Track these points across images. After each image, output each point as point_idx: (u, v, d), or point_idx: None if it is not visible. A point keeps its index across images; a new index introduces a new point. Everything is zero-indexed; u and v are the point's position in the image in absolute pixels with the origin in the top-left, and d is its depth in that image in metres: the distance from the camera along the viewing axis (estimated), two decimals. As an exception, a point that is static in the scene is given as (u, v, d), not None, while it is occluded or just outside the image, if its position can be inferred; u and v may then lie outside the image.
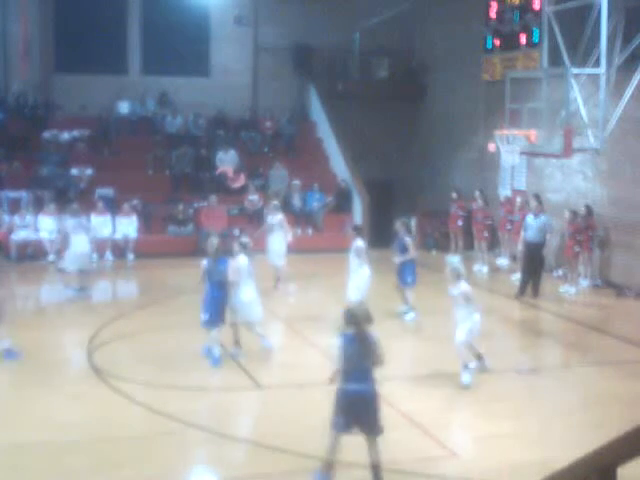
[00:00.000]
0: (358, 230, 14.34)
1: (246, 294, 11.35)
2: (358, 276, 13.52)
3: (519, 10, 19.19)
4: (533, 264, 16.23)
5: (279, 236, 16.42)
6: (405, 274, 14.14)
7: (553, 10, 16.39)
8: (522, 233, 16.63)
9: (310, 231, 21.62)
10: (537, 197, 18.28)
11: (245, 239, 12.01)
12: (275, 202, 17.39)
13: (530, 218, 16.36)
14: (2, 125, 22.11)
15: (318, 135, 24.61)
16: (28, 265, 18.75)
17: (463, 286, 10.33)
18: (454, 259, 10.99)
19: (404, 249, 14.11)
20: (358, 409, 7.27)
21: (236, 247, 11.71)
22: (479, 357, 10.70)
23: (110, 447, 8.55)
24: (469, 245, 19.90)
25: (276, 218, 16.61)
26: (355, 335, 7.34)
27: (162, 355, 11.75)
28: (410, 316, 13.91)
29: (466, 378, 10.35)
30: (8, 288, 17.51)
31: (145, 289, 17.40)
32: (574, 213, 16.76)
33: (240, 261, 11.41)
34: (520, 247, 16.95)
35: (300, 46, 24.42)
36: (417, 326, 13.81)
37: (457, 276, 10.40)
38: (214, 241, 11.68)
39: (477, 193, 19.49)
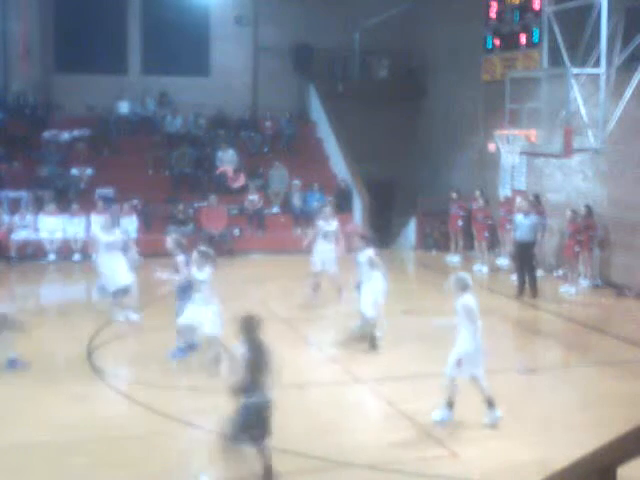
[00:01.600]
0: (367, 239, 13.24)
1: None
2: (373, 288, 12.17)
3: (519, 10, 19.17)
4: (524, 264, 16.25)
5: (331, 244, 15.43)
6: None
7: (553, 10, 16.40)
8: (511, 233, 16.67)
9: (310, 231, 21.57)
10: (536, 197, 18.31)
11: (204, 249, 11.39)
12: (328, 208, 16.35)
13: (520, 217, 16.36)
14: (2, 125, 22.10)
15: (318, 135, 24.60)
16: (28, 265, 18.74)
17: (467, 299, 9.22)
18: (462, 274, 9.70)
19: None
20: (260, 419, 7.16)
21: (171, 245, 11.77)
22: (450, 405, 9.30)
23: (110, 447, 8.55)
24: (469, 245, 19.91)
25: (332, 225, 15.63)
26: (248, 344, 7.17)
27: (162, 355, 11.74)
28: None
29: (437, 414, 9.25)
30: (8, 288, 17.56)
31: (145, 289, 17.37)
32: (575, 213, 16.77)
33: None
34: (511, 247, 16.98)
35: (300, 46, 24.42)
36: (417, 326, 13.79)
37: (463, 288, 9.30)
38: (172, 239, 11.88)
39: (477, 193, 19.48)
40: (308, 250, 15.40)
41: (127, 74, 24.06)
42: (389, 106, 23.75)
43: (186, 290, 11.38)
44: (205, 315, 10.80)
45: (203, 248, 11.31)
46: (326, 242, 15.30)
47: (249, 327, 7.20)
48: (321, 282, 15.23)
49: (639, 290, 16.07)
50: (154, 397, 9.92)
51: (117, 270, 13.54)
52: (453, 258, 19.84)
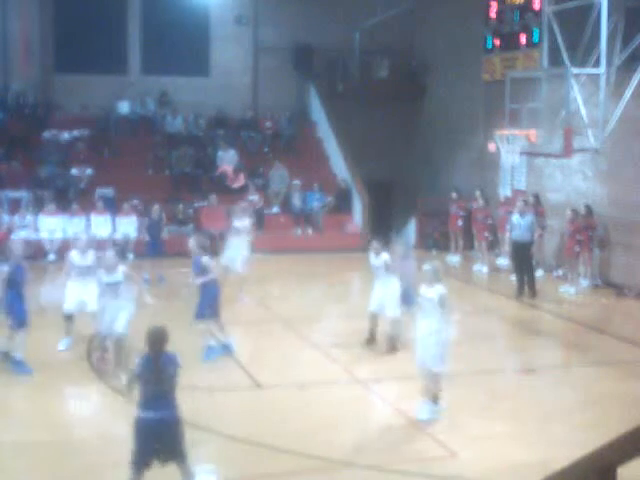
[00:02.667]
0: (383, 243, 12.49)
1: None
2: (390, 291, 11.95)
3: (519, 10, 19.18)
4: (523, 264, 16.25)
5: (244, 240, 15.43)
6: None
7: (553, 10, 16.40)
8: (507, 233, 16.65)
9: (310, 231, 21.62)
10: (536, 196, 18.32)
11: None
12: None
13: (516, 217, 16.34)
14: (2, 125, 22.11)
15: (318, 135, 24.60)
16: (28, 265, 18.68)
17: (443, 288, 9.28)
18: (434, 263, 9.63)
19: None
20: (159, 437, 6.85)
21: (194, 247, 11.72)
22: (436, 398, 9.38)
23: (110, 447, 8.55)
24: (469, 245, 19.91)
25: (244, 222, 15.61)
26: (151, 357, 6.87)
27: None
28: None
29: (423, 413, 9.25)
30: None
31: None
32: (575, 212, 16.77)
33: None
34: (507, 247, 16.98)
35: (300, 46, 24.42)
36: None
37: (438, 278, 9.35)
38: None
39: (477, 193, 19.50)
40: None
41: (127, 74, 24.07)
42: (389, 106, 23.75)
43: (210, 289, 11.44)
44: None
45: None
46: (239, 239, 15.38)
47: (151, 340, 6.91)
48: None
49: (639, 290, 16.08)
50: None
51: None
52: (453, 258, 19.84)
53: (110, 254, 10.78)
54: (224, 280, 14.57)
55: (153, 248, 17.55)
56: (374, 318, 12.16)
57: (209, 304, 11.47)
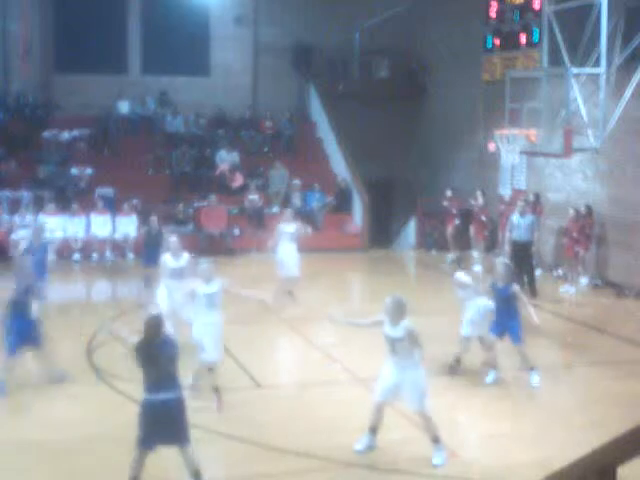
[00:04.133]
0: (457, 262, 11.94)
1: None
2: (471, 309, 10.86)
3: (519, 10, 19.17)
4: (523, 264, 16.23)
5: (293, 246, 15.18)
6: None
7: (553, 10, 16.41)
8: (507, 233, 16.62)
9: (310, 231, 21.58)
10: (537, 196, 18.33)
11: None
12: (289, 210, 16.11)
13: (516, 217, 16.31)
14: (2, 125, 22.11)
15: (318, 135, 24.60)
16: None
17: (410, 323, 8.32)
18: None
19: None
20: (163, 420, 7.12)
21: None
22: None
23: (110, 447, 8.55)
24: (467, 245, 19.84)
25: (292, 227, 15.36)
26: (145, 344, 7.19)
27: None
28: None
29: (437, 459, 8.19)
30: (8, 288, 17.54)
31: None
32: (577, 212, 16.77)
33: None
34: (507, 247, 16.96)
35: (300, 46, 24.42)
36: (417, 326, 13.77)
37: (403, 312, 8.30)
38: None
39: (479, 193, 19.54)
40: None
41: (127, 74, 24.07)
42: (389, 106, 23.75)
43: None
44: None
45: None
46: (291, 245, 15.02)
47: (145, 328, 7.21)
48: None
49: (639, 290, 16.08)
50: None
51: None
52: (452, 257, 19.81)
53: (205, 266, 10.18)
54: (291, 288, 14.74)
55: (149, 260, 14.76)
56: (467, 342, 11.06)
57: None
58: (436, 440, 8.22)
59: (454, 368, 11.03)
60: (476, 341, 10.90)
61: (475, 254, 19.34)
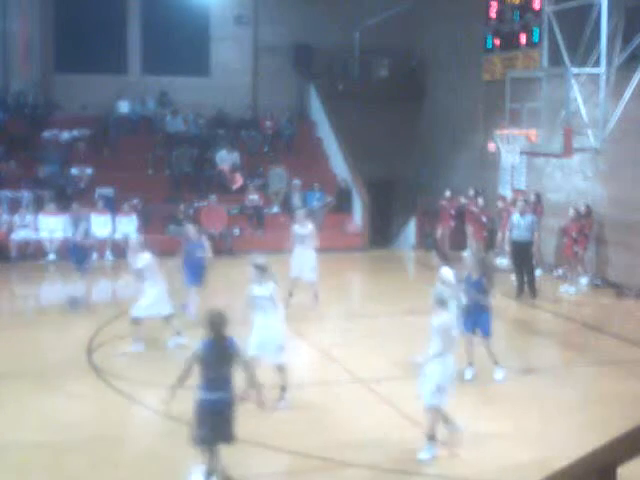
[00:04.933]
0: (445, 257, 11.73)
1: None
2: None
3: (519, 10, 19.18)
4: (523, 263, 16.25)
5: (308, 248, 14.64)
6: None
7: (553, 10, 16.41)
8: (507, 233, 16.63)
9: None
10: (537, 196, 18.33)
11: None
12: (302, 211, 15.60)
13: (516, 217, 16.30)
14: (2, 125, 22.10)
15: (318, 135, 24.60)
16: (28, 265, 18.73)
17: (445, 317, 8.53)
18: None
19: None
20: (216, 417, 7.07)
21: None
22: (447, 422, 8.54)
23: (110, 447, 8.56)
24: (463, 245, 19.81)
25: (307, 228, 14.81)
26: (213, 341, 7.07)
27: (162, 355, 11.75)
28: None
29: (424, 454, 8.23)
30: (8, 288, 17.57)
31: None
32: (577, 212, 16.78)
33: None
34: (507, 247, 16.99)
35: (300, 46, 24.41)
36: (417, 326, 13.79)
37: (441, 303, 8.58)
38: None
39: (471, 192, 19.54)
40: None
41: (127, 74, 24.05)
42: (389, 106, 23.74)
43: None
44: None
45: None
46: (302, 247, 14.59)
47: (211, 324, 7.09)
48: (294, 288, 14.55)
49: (639, 290, 16.08)
50: (154, 397, 9.91)
51: None
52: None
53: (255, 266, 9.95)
54: (293, 290, 14.45)
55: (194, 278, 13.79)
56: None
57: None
58: (430, 436, 8.25)
59: None
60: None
61: (467, 254, 19.23)
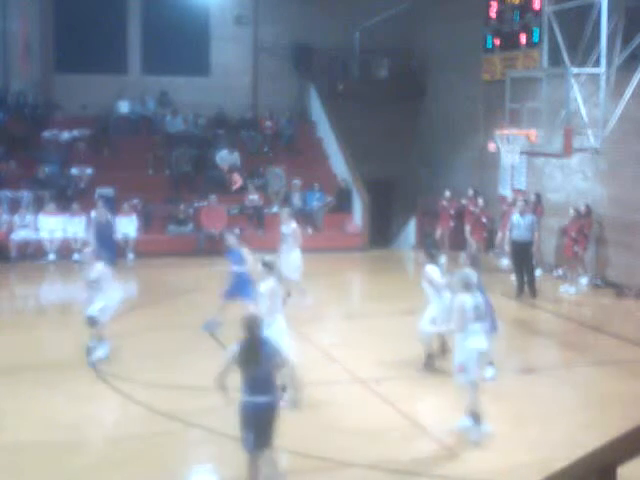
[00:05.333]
0: (432, 255, 11.55)
1: None
2: (432, 307, 11.12)
3: (519, 10, 19.18)
4: (523, 263, 16.26)
5: (291, 247, 14.77)
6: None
7: (553, 10, 16.41)
8: (507, 233, 16.64)
9: (310, 231, 21.61)
10: (538, 196, 18.33)
11: None
12: (286, 210, 15.96)
13: (517, 217, 16.32)
14: (2, 125, 22.10)
15: (318, 135, 24.61)
16: (28, 265, 18.74)
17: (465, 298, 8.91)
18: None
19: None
20: (258, 420, 7.03)
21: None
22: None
23: (110, 447, 8.56)
24: (462, 245, 19.80)
25: (289, 227, 14.94)
26: (248, 342, 7.10)
27: (162, 355, 11.76)
28: None
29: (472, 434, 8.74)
30: (8, 288, 17.57)
31: (145, 289, 17.40)
32: (577, 212, 16.79)
33: None
34: (507, 247, 16.99)
35: (300, 46, 24.42)
36: (416, 326, 13.79)
37: (466, 286, 8.91)
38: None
39: (470, 191, 19.52)
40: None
41: (127, 74, 24.06)
42: (389, 106, 23.75)
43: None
44: None
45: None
46: (286, 246, 14.62)
47: (246, 327, 7.14)
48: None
49: (639, 290, 16.08)
50: (154, 397, 9.92)
51: None
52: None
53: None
54: (291, 289, 14.41)
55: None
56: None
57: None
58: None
59: (430, 365, 11.17)
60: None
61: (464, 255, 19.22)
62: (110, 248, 16.36)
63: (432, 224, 21.57)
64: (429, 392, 10.30)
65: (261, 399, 6.96)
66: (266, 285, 9.87)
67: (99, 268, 11.47)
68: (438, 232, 20.27)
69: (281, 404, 8.89)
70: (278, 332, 9.59)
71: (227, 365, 7.12)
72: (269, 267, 9.96)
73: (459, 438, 8.87)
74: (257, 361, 6.99)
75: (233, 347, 7.16)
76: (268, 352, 7.10)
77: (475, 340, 8.73)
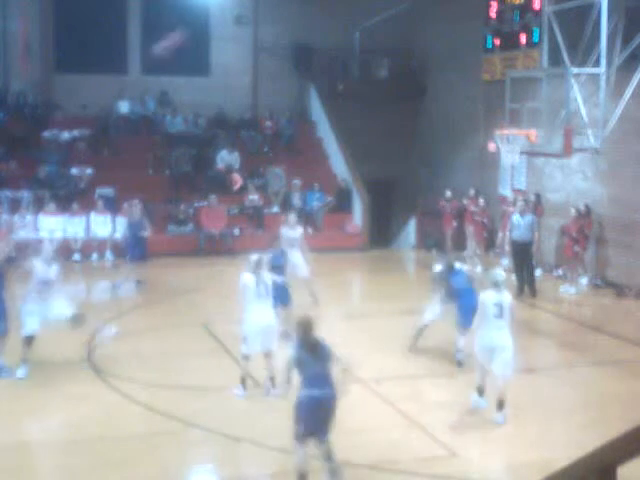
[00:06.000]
0: (439, 252, 12.42)
1: None
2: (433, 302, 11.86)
3: (519, 10, 19.18)
4: (523, 263, 16.26)
5: (297, 251, 14.73)
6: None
7: (553, 10, 16.40)
8: (507, 233, 16.66)
9: (310, 231, 21.61)
10: (538, 196, 18.33)
11: None
12: (292, 215, 15.69)
13: (517, 217, 16.34)
14: (2, 125, 22.10)
15: (318, 135, 24.60)
16: (28, 265, 18.68)
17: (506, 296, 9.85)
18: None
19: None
20: (317, 414, 7.47)
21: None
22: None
23: (110, 447, 8.56)
24: (462, 245, 19.79)
25: (296, 232, 14.91)
26: (305, 342, 7.61)
27: (162, 355, 11.76)
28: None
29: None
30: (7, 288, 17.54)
31: (145, 288, 17.39)
32: (578, 211, 16.79)
33: None
34: (507, 247, 16.98)
35: (300, 46, 24.41)
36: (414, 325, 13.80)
37: (493, 284, 9.75)
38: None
39: (472, 192, 19.51)
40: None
41: (127, 74, 24.05)
42: (389, 106, 23.75)
43: None
44: None
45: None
46: (293, 249, 14.57)
47: (301, 327, 7.68)
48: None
49: (639, 290, 16.08)
50: (154, 397, 9.92)
51: None
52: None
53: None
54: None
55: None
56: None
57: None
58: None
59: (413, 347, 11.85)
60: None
61: (466, 254, 19.24)
62: (142, 247, 16.47)
63: (433, 224, 21.60)
64: (429, 392, 10.29)
65: (322, 392, 7.42)
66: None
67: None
68: (448, 233, 20.24)
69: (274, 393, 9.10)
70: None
71: (289, 366, 7.66)
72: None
73: (459, 438, 8.88)
74: (317, 358, 7.51)
75: (291, 352, 7.70)
76: (325, 349, 7.59)
77: (492, 334, 9.61)
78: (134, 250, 16.52)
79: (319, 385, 7.43)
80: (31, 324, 10.83)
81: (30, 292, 11.05)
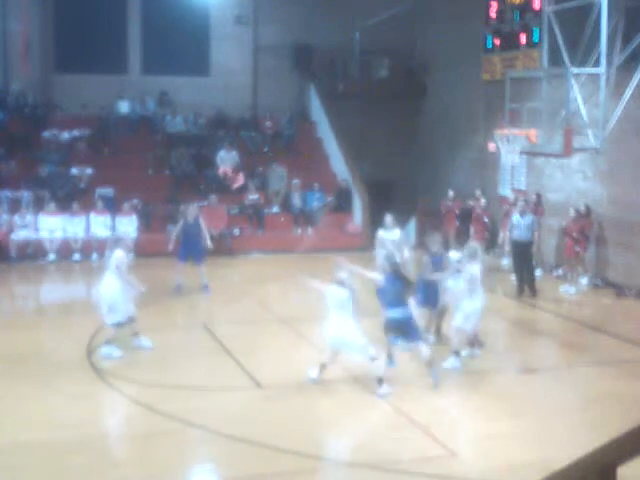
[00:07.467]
0: (473, 254, 11.56)
1: None
2: (469, 304, 11.30)
3: (519, 10, 19.18)
4: (524, 263, 16.26)
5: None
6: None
7: (553, 10, 16.40)
8: (507, 233, 16.67)
9: (310, 231, 21.63)
10: (538, 196, 18.33)
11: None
12: (389, 217, 14.87)
13: (517, 217, 16.34)
14: (2, 125, 22.10)
15: (318, 135, 24.60)
16: (28, 265, 18.74)
17: (474, 268, 11.17)
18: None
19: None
20: (402, 327, 10.28)
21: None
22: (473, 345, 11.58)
23: (110, 447, 8.57)
24: (465, 245, 19.77)
25: (395, 234, 14.64)
26: (394, 275, 10.48)
27: (162, 355, 11.76)
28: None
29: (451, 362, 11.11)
30: (8, 288, 17.57)
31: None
32: (578, 212, 16.79)
33: None
34: (507, 247, 16.97)
35: (300, 46, 24.42)
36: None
37: (473, 256, 11.30)
38: None
39: (478, 192, 19.49)
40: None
41: (127, 74, 24.06)
42: (389, 106, 23.75)
43: None
44: None
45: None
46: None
47: (392, 265, 10.62)
48: None
49: (639, 290, 16.08)
50: (154, 397, 9.92)
51: None
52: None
53: None
54: None
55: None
56: None
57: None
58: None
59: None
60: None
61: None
62: (199, 247, 16.13)
63: (434, 225, 21.56)
64: (429, 392, 10.29)
65: (403, 312, 10.24)
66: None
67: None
68: (451, 233, 20.22)
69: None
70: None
71: (370, 275, 10.96)
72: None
73: (459, 438, 8.88)
74: (397, 287, 10.32)
75: (381, 279, 10.63)
76: (403, 279, 10.51)
77: (480, 301, 11.13)
78: (192, 251, 15.97)
79: (398, 307, 10.23)
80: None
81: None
